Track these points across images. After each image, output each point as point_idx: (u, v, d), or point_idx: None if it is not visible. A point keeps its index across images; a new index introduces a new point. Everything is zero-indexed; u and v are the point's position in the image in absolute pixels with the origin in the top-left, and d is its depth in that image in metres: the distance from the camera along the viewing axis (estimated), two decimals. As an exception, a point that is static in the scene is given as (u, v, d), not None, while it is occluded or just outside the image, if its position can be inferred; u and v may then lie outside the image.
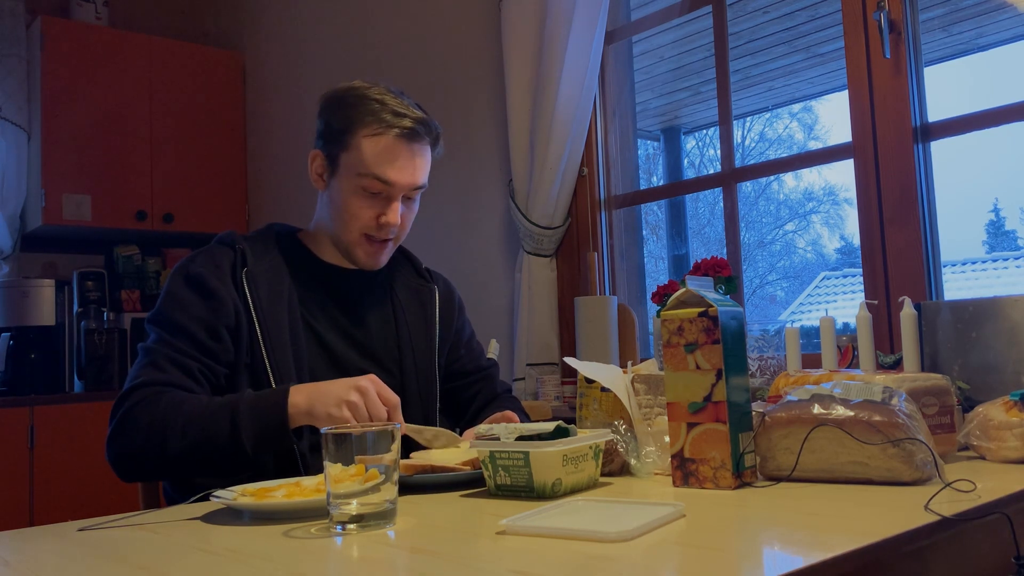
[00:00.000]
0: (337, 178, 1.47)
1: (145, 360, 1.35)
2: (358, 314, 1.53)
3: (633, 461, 1.19)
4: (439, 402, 1.57)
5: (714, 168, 2.78)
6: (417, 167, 1.47)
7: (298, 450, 1.36)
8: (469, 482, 1.20)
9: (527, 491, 1.06)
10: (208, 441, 1.25)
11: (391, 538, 0.89)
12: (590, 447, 1.11)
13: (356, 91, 1.46)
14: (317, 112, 1.50)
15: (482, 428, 1.38)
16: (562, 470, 1.06)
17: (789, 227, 4.27)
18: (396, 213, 1.46)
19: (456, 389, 1.65)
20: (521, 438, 1.08)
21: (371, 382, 1.25)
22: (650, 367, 1.36)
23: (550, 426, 1.11)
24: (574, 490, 1.09)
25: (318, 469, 1.34)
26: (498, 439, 1.09)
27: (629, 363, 1.35)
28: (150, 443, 1.26)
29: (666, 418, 1.12)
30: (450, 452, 1.31)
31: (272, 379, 1.37)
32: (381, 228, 1.46)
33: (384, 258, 1.52)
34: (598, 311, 2.37)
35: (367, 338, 1.52)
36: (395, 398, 1.26)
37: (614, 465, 1.23)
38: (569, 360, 1.39)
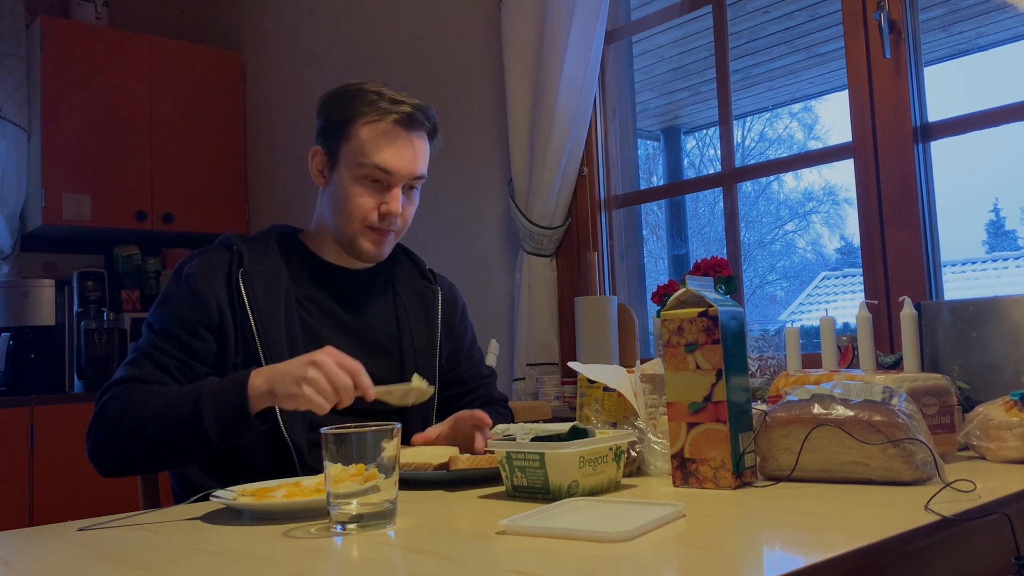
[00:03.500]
0: (338, 171, 1.47)
1: (126, 360, 1.38)
2: (359, 313, 1.53)
3: (658, 462, 1.19)
4: (437, 407, 1.57)
5: (714, 168, 2.78)
6: (416, 155, 1.47)
7: (294, 448, 1.37)
8: (442, 482, 1.20)
9: (543, 493, 1.05)
10: (174, 428, 1.25)
11: (391, 538, 0.89)
12: (610, 448, 1.08)
13: (354, 85, 1.48)
14: (316, 111, 1.51)
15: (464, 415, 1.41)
16: (579, 472, 1.04)
17: (789, 227, 4.27)
18: (397, 201, 1.45)
19: (453, 397, 1.64)
20: (537, 439, 1.07)
21: (327, 354, 1.22)
22: (655, 367, 1.36)
23: (566, 427, 1.09)
24: (593, 492, 1.06)
25: (316, 467, 1.35)
26: (514, 439, 1.08)
27: (639, 362, 1.35)
28: (119, 434, 1.28)
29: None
30: (429, 450, 1.31)
31: None
32: (383, 218, 1.46)
33: (387, 249, 1.51)
34: (598, 311, 2.37)
35: (368, 337, 1.52)
36: (355, 364, 1.22)
37: (631, 466, 1.22)
38: (573, 364, 1.39)
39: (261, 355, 1.38)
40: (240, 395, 1.23)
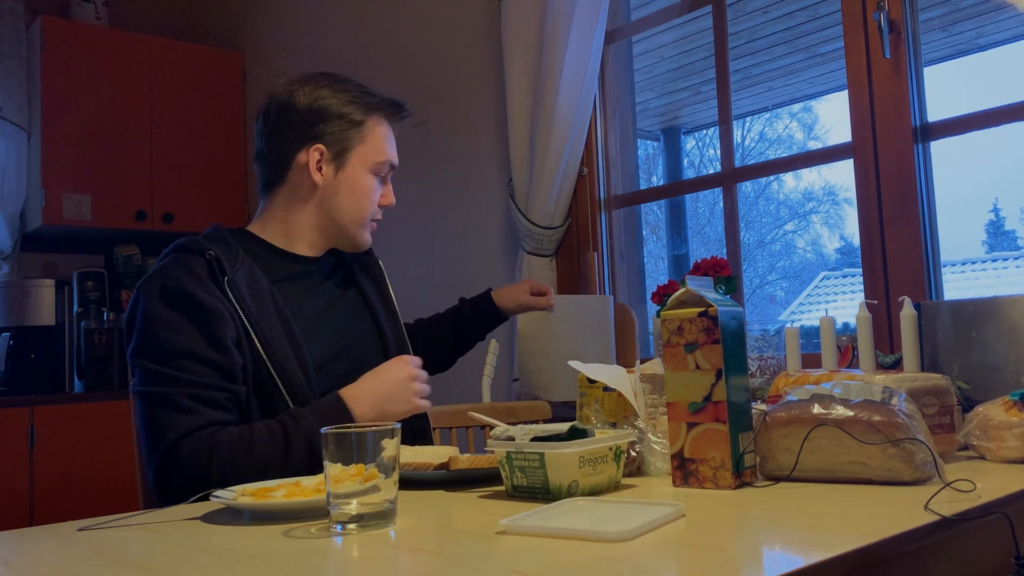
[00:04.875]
0: (347, 169, 1.51)
1: (164, 407, 1.25)
2: (332, 300, 1.56)
3: (658, 462, 1.18)
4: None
5: (714, 168, 2.78)
6: None
7: None
8: (442, 482, 1.20)
9: (543, 493, 1.04)
10: (291, 473, 1.24)
11: (391, 538, 0.89)
12: (610, 448, 1.08)
13: (341, 82, 1.54)
14: (300, 109, 1.50)
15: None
16: (579, 472, 1.04)
17: (789, 227, 4.28)
18: (393, 194, 1.60)
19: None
20: (537, 439, 1.06)
21: (408, 363, 1.41)
22: (655, 367, 1.36)
23: (565, 426, 1.09)
24: (593, 492, 1.06)
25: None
26: (513, 439, 1.08)
27: (638, 362, 1.35)
28: (223, 487, 1.14)
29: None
30: (429, 450, 1.31)
31: (281, 385, 1.35)
32: (381, 209, 1.58)
33: None
34: (589, 311, 2.28)
35: (348, 323, 1.55)
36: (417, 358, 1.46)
37: (631, 466, 1.21)
38: (573, 363, 1.39)
39: (268, 364, 1.34)
40: None
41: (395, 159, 1.57)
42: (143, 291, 1.34)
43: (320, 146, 1.50)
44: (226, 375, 1.30)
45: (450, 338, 1.91)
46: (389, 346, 1.58)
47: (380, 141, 1.53)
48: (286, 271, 1.50)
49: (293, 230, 1.53)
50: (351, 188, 1.51)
